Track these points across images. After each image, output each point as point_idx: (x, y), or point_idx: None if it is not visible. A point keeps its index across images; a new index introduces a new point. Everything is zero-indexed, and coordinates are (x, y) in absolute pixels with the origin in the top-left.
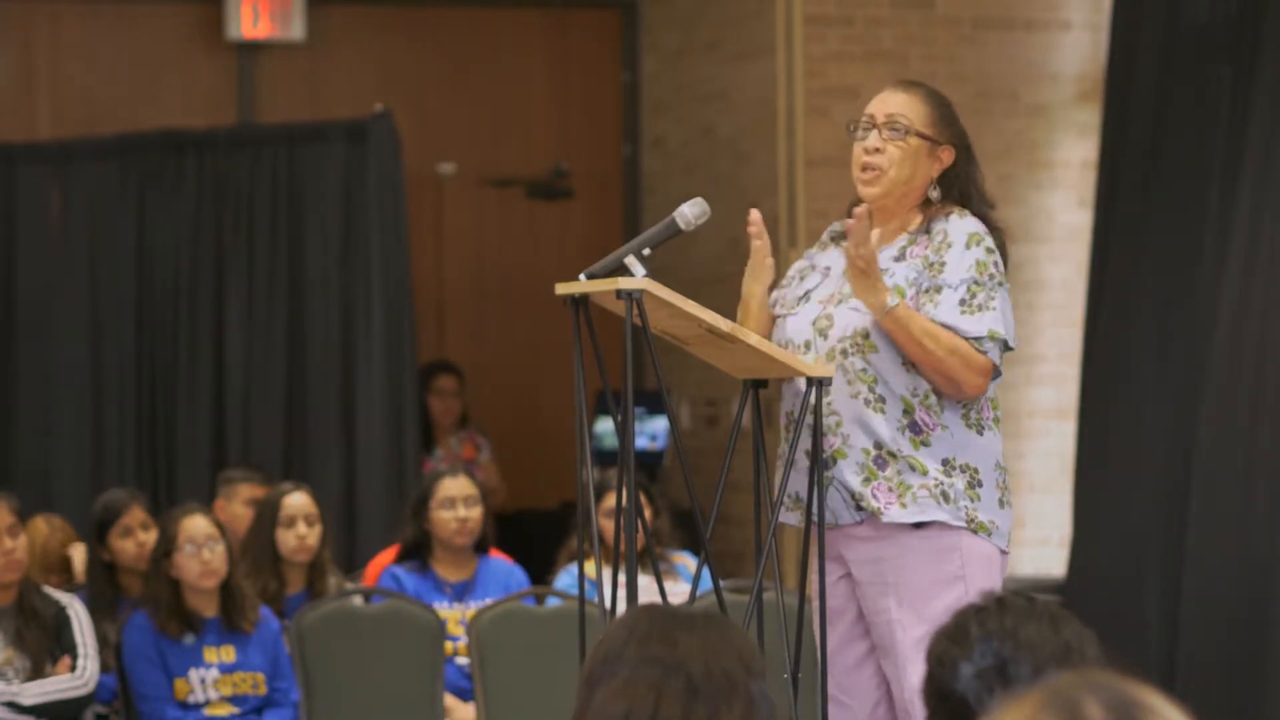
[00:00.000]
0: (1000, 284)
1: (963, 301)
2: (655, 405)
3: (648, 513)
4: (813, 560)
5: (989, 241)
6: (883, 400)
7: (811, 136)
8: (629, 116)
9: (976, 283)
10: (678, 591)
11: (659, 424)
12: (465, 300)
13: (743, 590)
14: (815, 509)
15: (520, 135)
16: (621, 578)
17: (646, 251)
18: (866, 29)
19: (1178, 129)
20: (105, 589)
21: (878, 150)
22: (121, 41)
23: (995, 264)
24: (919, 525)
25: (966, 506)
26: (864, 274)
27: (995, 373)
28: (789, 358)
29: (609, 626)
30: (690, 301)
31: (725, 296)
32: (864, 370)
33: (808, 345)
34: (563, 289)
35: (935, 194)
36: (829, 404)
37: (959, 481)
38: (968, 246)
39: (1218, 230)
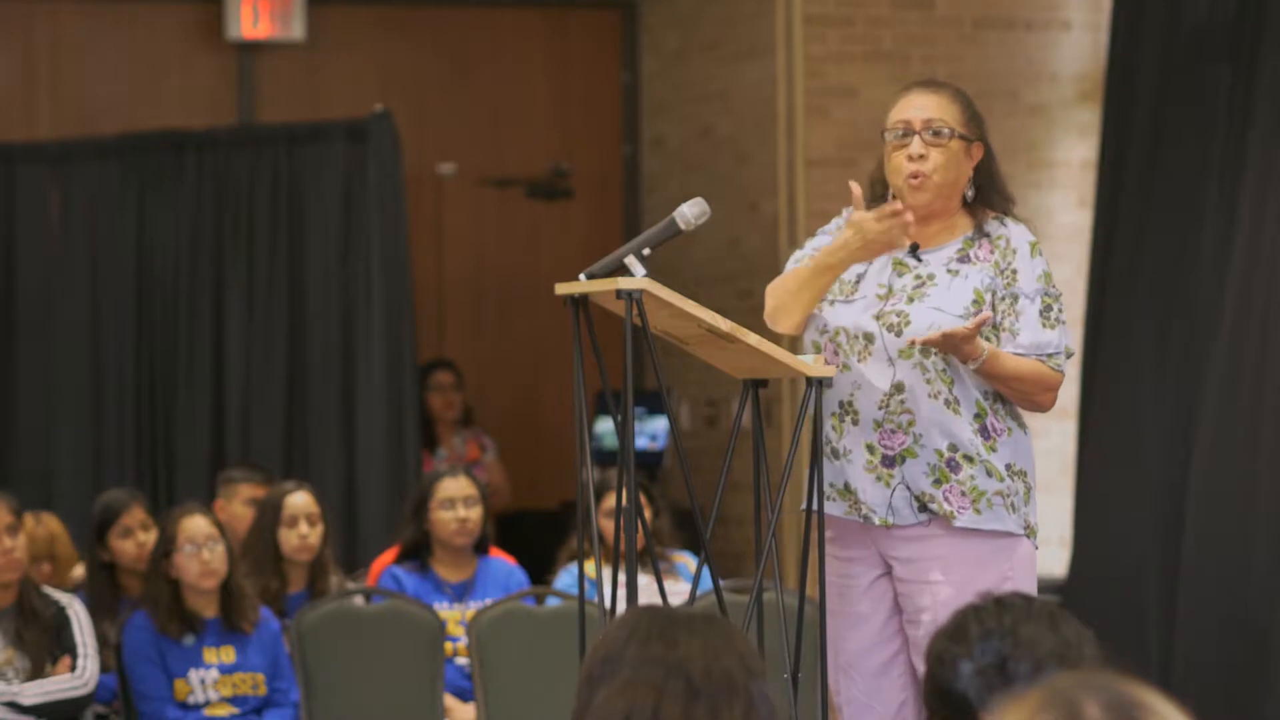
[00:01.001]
0: (1059, 296)
1: (1042, 314)
2: (655, 405)
3: (648, 513)
4: (814, 556)
5: (1043, 248)
6: (959, 402)
7: (811, 136)
8: (629, 116)
9: (1048, 294)
10: (678, 591)
11: (659, 424)
12: (465, 300)
13: (743, 590)
14: (815, 507)
15: (520, 135)
16: (621, 578)
17: (646, 251)
18: (866, 29)
19: (1177, 129)
20: (105, 589)
21: (922, 156)
22: (121, 41)
23: (1052, 276)
24: (982, 530)
25: (1025, 513)
26: (967, 342)
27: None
28: (789, 358)
29: (608, 627)
30: (690, 301)
31: (725, 296)
32: (944, 371)
33: (869, 338)
34: (562, 289)
35: (970, 192)
36: (902, 401)
37: (1020, 487)
38: (1032, 255)
39: (1217, 230)
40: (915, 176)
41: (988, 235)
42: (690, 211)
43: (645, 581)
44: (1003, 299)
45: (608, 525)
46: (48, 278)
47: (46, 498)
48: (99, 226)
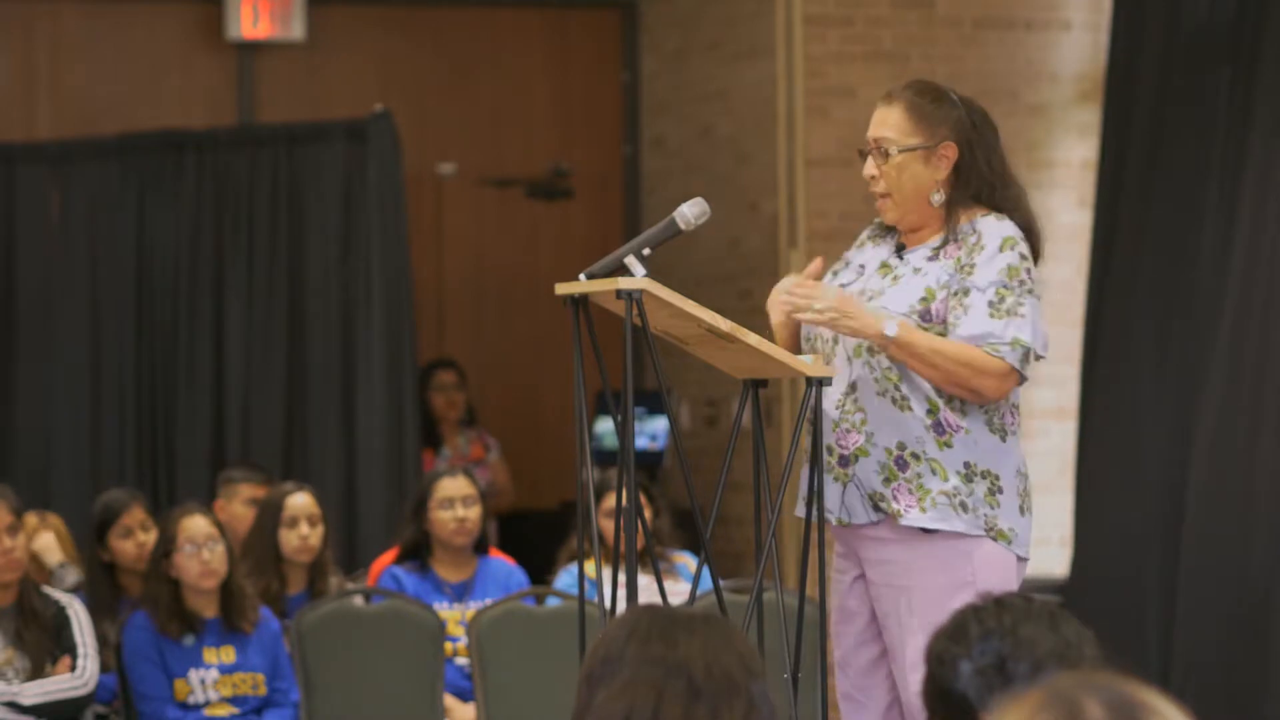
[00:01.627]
0: (1030, 291)
1: (991, 304)
2: (655, 405)
3: (648, 513)
4: (814, 557)
5: (1023, 248)
6: (908, 399)
7: (811, 136)
8: (629, 116)
9: (1005, 286)
10: (678, 591)
11: (659, 424)
12: (465, 300)
13: (743, 590)
14: (816, 507)
15: (520, 135)
16: (621, 578)
17: (646, 251)
18: (866, 29)
19: (1177, 129)
20: (105, 589)
21: (873, 178)
22: (121, 41)
23: (1027, 270)
24: (934, 531)
25: (986, 514)
26: (844, 319)
27: (1020, 378)
28: (789, 358)
29: (608, 626)
30: (690, 301)
31: (725, 296)
32: (889, 368)
33: (835, 340)
34: (562, 289)
35: (939, 198)
36: (855, 400)
37: (979, 488)
38: (1000, 250)
39: (1217, 230)
40: (878, 198)
41: (963, 234)
42: (690, 211)
43: (645, 581)
44: (955, 293)
45: (608, 525)
46: (48, 278)
47: (46, 498)
48: (99, 226)
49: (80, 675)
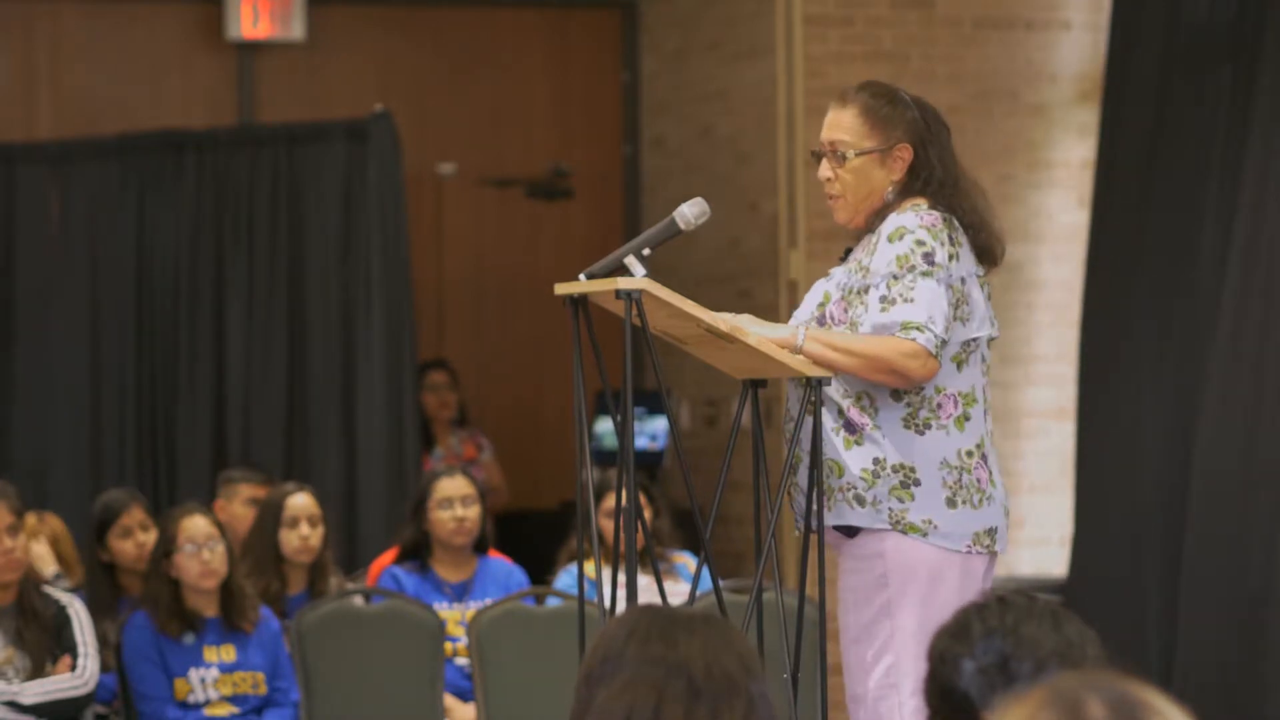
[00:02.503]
0: (925, 274)
1: (882, 299)
2: (655, 405)
3: (648, 513)
4: (813, 557)
5: (919, 234)
6: (821, 404)
7: (811, 136)
8: (629, 116)
9: (894, 276)
10: (678, 591)
11: (659, 424)
12: (465, 300)
13: (743, 590)
14: (816, 506)
15: (520, 135)
16: (621, 578)
17: (646, 251)
18: (866, 29)
19: (1177, 129)
20: (105, 589)
21: (828, 180)
22: (121, 41)
23: (925, 254)
24: (852, 532)
25: (892, 508)
26: (732, 328)
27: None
28: (788, 358)
29: (607, 626)
30: (690, 301)
31: (725, 296)
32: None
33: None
34: (562, 289)
35: (891, 195)
36: (788, 411)
37: (884, 484)
38: (890, 241)
39: (1216, 230)
40: (829, 199)
41: (872, 234)
42: (690, 211)
43: (645, 581)
44: (855, 292)
45: (608, 525)
46: (48, 278)
47: (46, 498)
48: (99, 226)
49: (80, 675)
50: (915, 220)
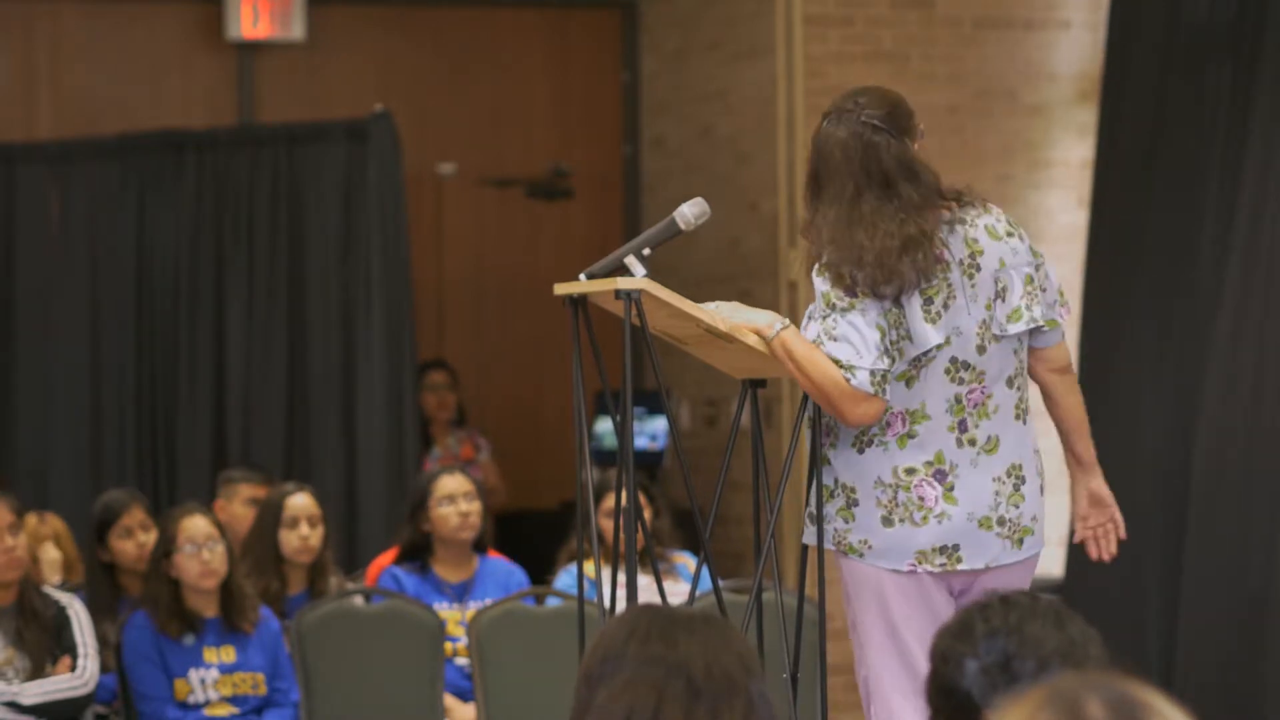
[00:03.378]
0: (845, 310)
1: (816, 338)
2: (655, 405)
3: (648, 513)
4: (814, 557)
5: (829, 273)
6: (811, 422)
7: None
8: (629, 116)
9: (823, 316)
10: (678, 591)
11: (659, 424)
12: (465, 300)
13: (743, 590)
14: (816, 506)
15: (520, 135)
16: (621, 578)
17: (646, 251)
18: (866, 29)
19: (1176, 129)
20: (105, 589)
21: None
22: (121, 41)
23: (838, 293)
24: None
25: (837, 528)
26: (727, 317)
27: (875, 398)
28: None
29: (606, 625)
30: (689, 301)
31: (725, 297)
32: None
33: None
34: (561, 289)
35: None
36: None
37: (836, 503)
38: (818, 275)
39: (1216, 230)
40: None
41: None
42: (690, 211)
43: (645, 581)
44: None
45: (607, 525)
46: (48, 278)
47: (46, 498)
48: (99, 226)
49: (80, 675)
50: (825, 259)
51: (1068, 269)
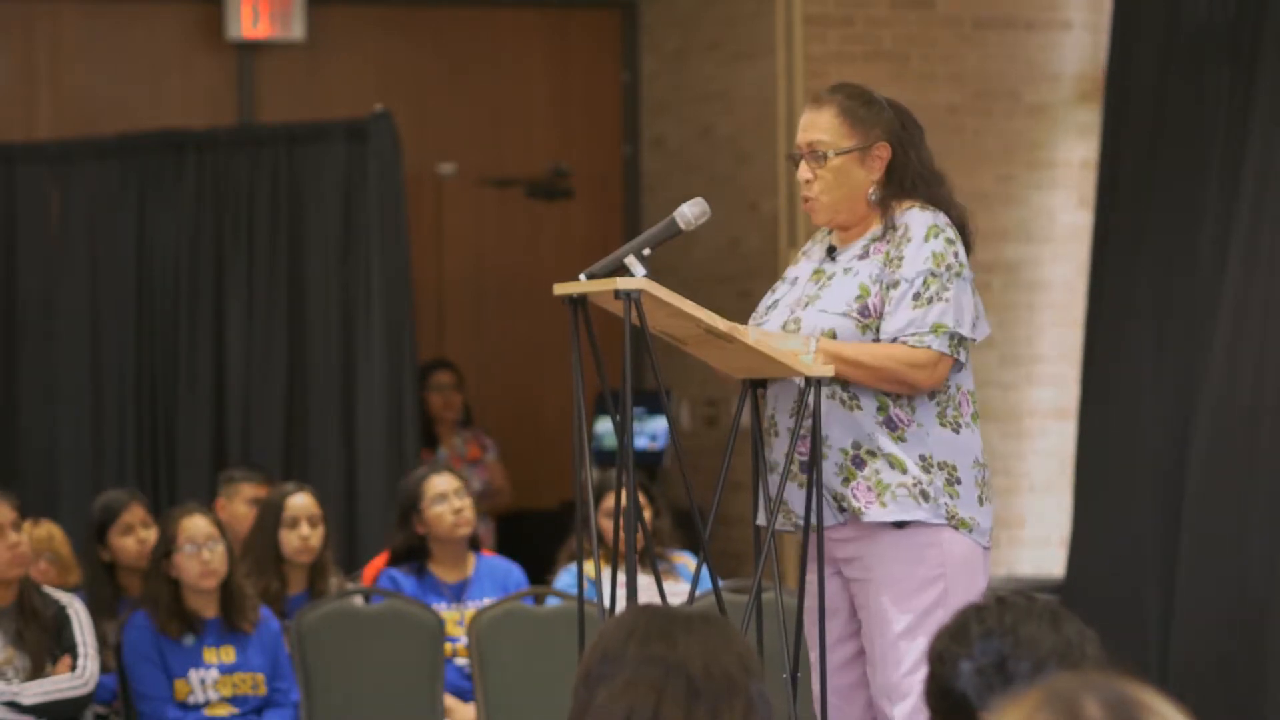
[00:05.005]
0: (958, 274)
1: (916, 295)
2: (655, 405)
3: (648, 513)
4: (811, 562)
5: (949, 233)
6: (857, 397)
7: None
8: (629, 116)
9: (933, 274)
10: (678, 591)
11: (659, 424)
12: (465, 300)
13: (742, 590)
14: (814, 510)
15: (520, 135)
16: (621, 578)
17: (647, 251)
18: (866, 29)
19: (1177, 129)
20: (105, 589)
21: (808, 181)
22: (121, 41)
23: (955, 254)
24: (900, 524)
25: (946, 503)
26: (730, 327)
27: (955, 365)
28: (788, 358)
29: (605, 625)
30: (689, 301)
31: (725, 296)
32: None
33: None
34: (561, 289)
35: (874, 195)
36: (806, 406)
37: (938, 479)
38: (926, 239)
39: (1217, 230)
40: (806, 201)
41: (893, 228)
42: (690, 211)
43: (645, 582)
44: (886, 287)
45: (607, 525)
46: (48, 278)
47: (46, 498)
48: (99, 226)
49: (80, 675)
50: (943, 220)
51: (1069, 269)
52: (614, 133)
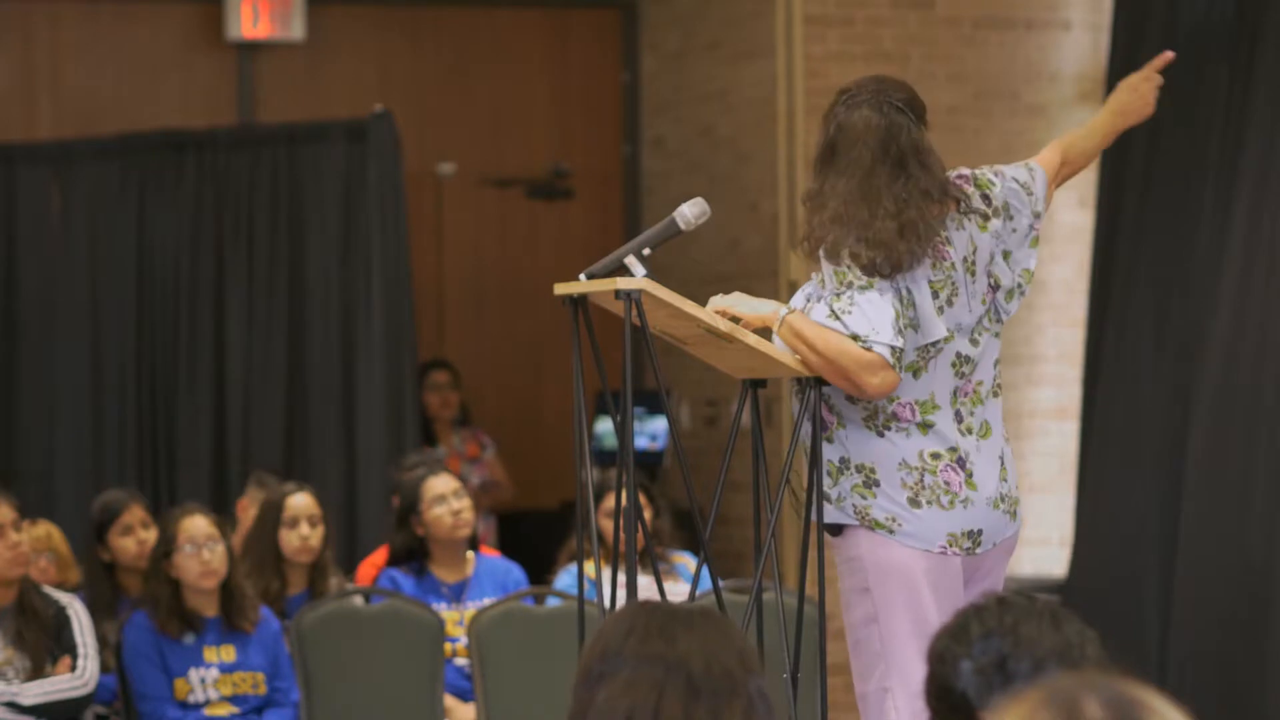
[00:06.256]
0: (860, 289)
1: (829, 314)
2: (655, 405)
3: (648, 513)
4: (813, 555)
5: (845, 251)
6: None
7: (811, 136)
8: (629, 116)
9: (836, 294)
10: (678, 591)
11: (659, 424)
12: (465, 300)
13: (743, 590)
14: (815, 509)
15: (520, 135)
16: (621, 578)
17: (647, 251)
18: (866, 29)
19: (1177, 128)
20: (105, 589)
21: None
22: (121, 41)
23: (855, 272)
24: (836, 530)
25: (856, 504)
26: (734, 309)
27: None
28: (788, 358)
29: (605, 623)
30: (689, 301)
31: None
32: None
33: None
34: (561, 289)
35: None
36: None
37: (849, 481)
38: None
39: (1216, 230)
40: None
41: None
42: (690, 211)
43: (645, 581)
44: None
45: (607, 525)
46: (48, 278)
47: (46, 498)
48: (99, 226)
49: (80, 675)
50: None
51: (1069, 269)
52: (614, 133)
